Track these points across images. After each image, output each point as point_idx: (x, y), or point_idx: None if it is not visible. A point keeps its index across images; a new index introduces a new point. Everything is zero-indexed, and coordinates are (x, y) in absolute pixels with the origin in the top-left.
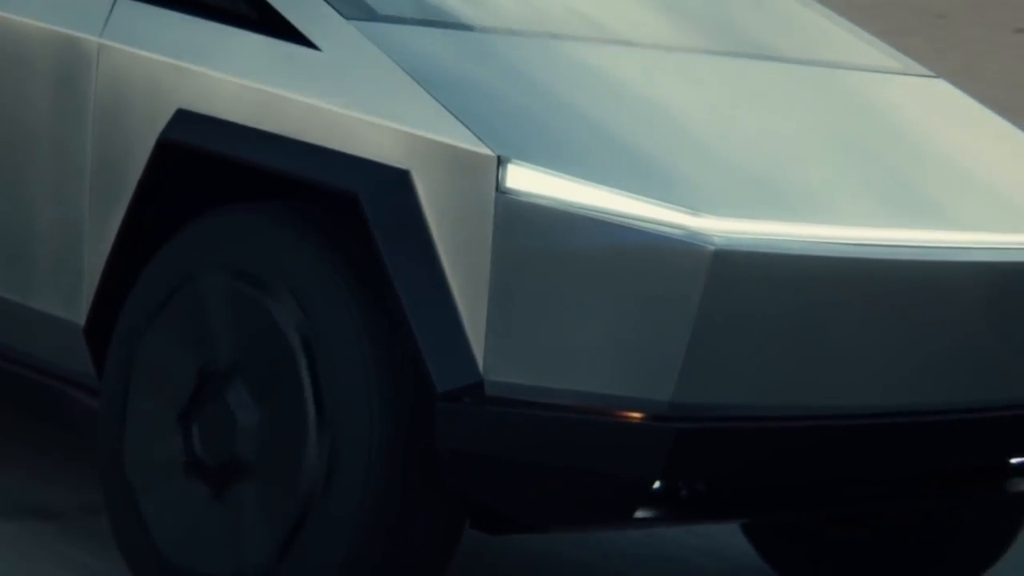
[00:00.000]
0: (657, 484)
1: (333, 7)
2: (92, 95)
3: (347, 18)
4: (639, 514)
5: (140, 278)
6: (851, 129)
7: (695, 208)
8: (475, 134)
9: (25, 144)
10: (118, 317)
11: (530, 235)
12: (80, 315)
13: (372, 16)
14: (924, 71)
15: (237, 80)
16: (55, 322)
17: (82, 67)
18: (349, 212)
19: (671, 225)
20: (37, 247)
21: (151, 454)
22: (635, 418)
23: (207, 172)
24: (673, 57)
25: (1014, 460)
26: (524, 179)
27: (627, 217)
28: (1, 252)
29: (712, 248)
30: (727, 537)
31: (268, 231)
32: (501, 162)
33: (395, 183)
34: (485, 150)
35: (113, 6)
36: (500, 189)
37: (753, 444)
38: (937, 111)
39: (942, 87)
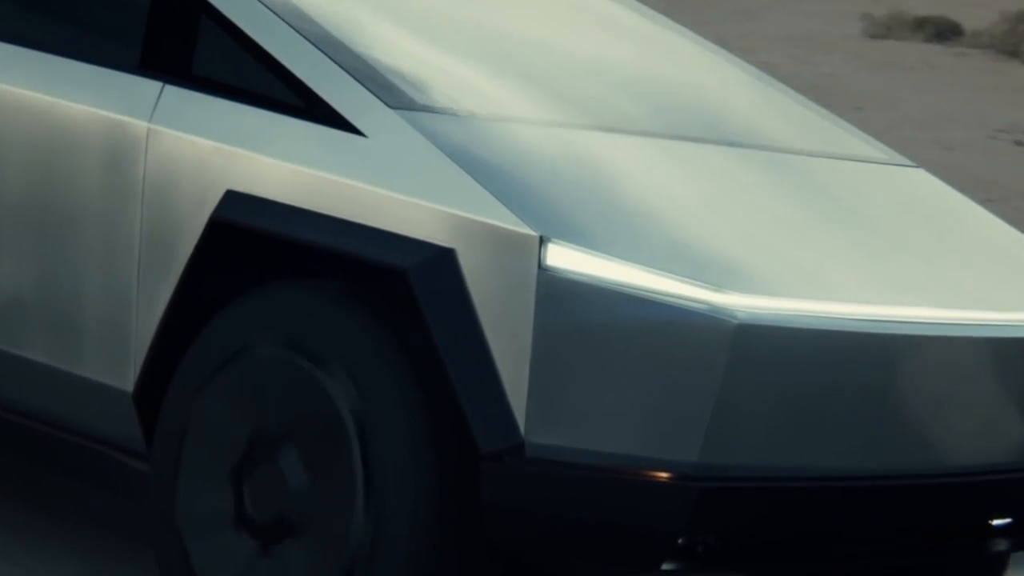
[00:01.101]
0: (682, 540)
1: (378, 96)
2: (142, 176)
3: (391, 107)
4: (666, 566)
5: (193, 346)
6: (853, 215)
7: (720, 285)
8: (518, 216)
9: (77, 222)
10: (166, 384)
11: (568, 309)
12: (129, 382)
13: (414, 106)
14: (906, 161)
15: (286, 164)
16: (104, 389)
17: (132, 150)
18: (396, 288)
19: (697, 300)
20: (88, 318)
21: (203, 509)
22: (663, 478)
23: (254, 250)
24: (697, 148)
25: (995, 521)
26: (563, 257)
27: (657, 293)
28: (53, 323)
29: (735, 322)
30: None
31: (321, 306)
32: (542, 241)
33: (441, 260)
34: (528, 230)
35: (161, 92)
36: (541, 266)
37: (769, 503)
38: (922, 198)
39: (922, 176)
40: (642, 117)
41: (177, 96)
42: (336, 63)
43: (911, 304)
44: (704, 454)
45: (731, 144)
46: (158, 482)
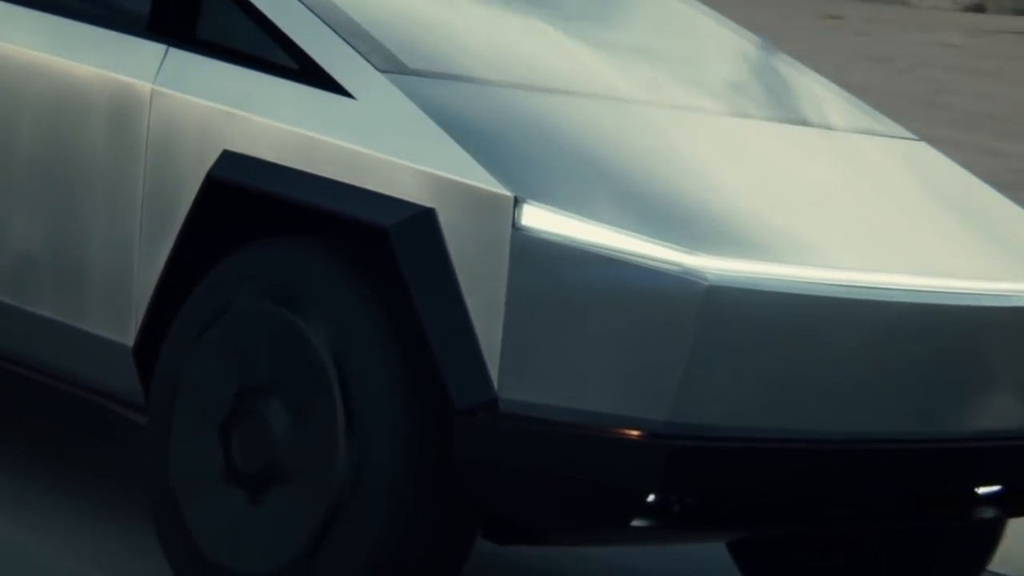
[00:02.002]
0: (652, 497)
1: (368, 60)
2: (145, 136)
3: (380, 70)
4: (635, 523)
5: (186, 302)
6: (839, 183)
7: (691, 247)
8: (495, 176)
9: (83, 179)
10: (165, 339)
11: (542, 268)
12: (129, 337)
13: (403, 70)
14: (908, 134)
15: (280, 125)
16: (105, 343)
17: (136, 110)
18: (378, 245)
19: (669, 262)
20: (91, 274)
21: (194, 463)
22: (633, 435)
23: (249, 207)
24: (677, 114)
25: (981, 490)
26: (537, 218)
27: (629, 254)
28: (56, 279)
29: (705, 284)
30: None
31: (305, 261)
32: (517, 202)
33: (421, 219)
34: (503, 191)
35: (165, 55)
36: (516, 226)
37: (740, 463)
38: (918, 169)
39: (923, 149)
40: (630, 84)
41: (180, 59)
42: (330, 26)
43: (888, 270)
44: (675, 413)
45: (722, 112)
46: (152, 435)
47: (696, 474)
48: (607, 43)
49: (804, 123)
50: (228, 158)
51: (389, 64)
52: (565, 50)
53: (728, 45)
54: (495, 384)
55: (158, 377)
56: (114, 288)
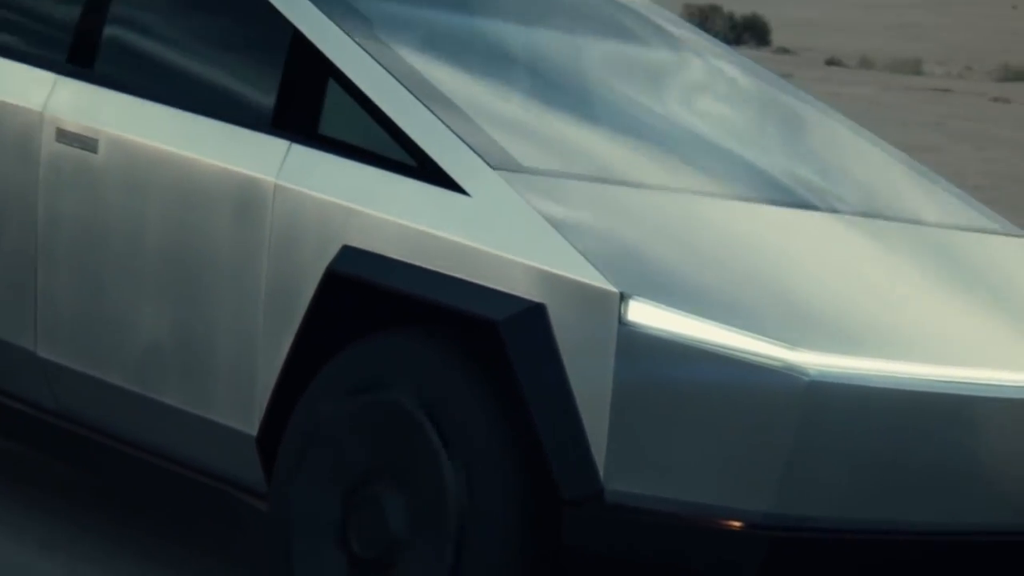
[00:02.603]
0: None
1: (482, 158)
2: (268, 230)
3: (494, 168)
4: None
5: (306, 392)
6: (940, 280)
7: (793, 343)
8: (602, 273)
9: (209, 271)
10: (286, 428)
11: (647, 362)
12: (253, 426)
13: (516, 167)
14: (1018, 231)
15: (396, 220)
16: (230, 432)
17: (260, 204)
18: (490, 338)
19: (771, 357)
20: (216, 364)
21: (314, 547)
22: (735, 526)
23: (367, 300)
24: (781, 212)
25: None
26: (643, 313)
27: (732, 349)
28: (183, 369)
29: (807, 379)
30: None
31: (419, 353)
32: (623, 298)
33: (531, 314)
34: (610, 287)
35: (288, 151)
36: (622, 321)
37: (840, 554)
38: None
39: None
40: (737, 181)
41: (303, 154)
42: (447, 125)
43: (988, 366)
44: (776, 504)
45: (829, 210)
46: (273, 525)
47: (797, 565)
48: (716, 140)
49: (907, 220)
50: (347, 253)
51: (503, 162)
52: (672, 147)
53: (838, 140)
54: (601, 475)
55: (279, 465)
56: (238, 378)
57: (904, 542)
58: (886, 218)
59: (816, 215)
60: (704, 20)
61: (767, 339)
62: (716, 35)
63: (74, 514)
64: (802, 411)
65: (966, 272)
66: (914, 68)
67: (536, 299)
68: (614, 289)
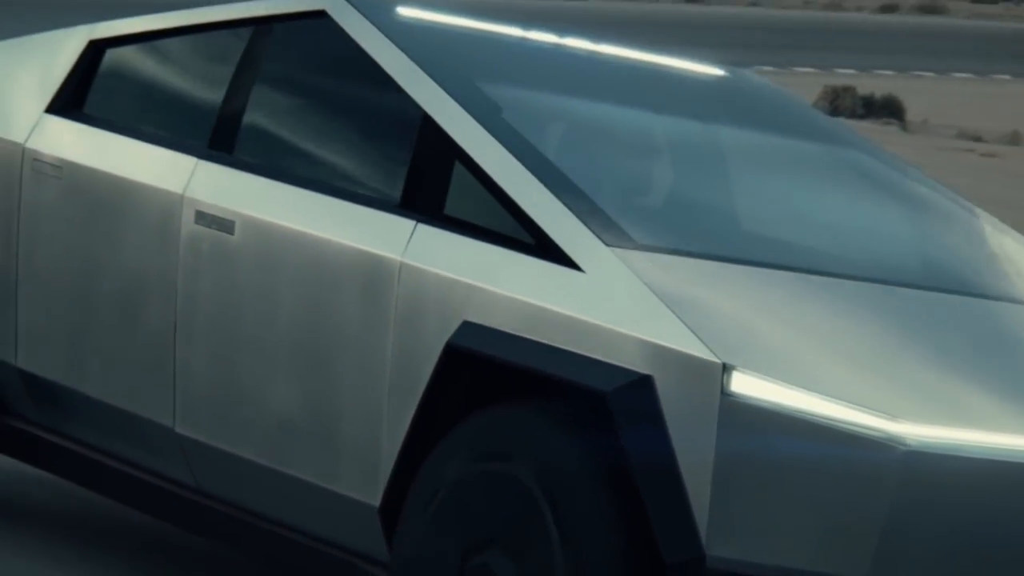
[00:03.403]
0: None
1: (597, 236)
2: (394, 306)
3: (607, 245)
4: None
5: (428, 459)
6: None
7: (893, 414)
8: (706, 345)
9: (335, 345)
10: (405, 499)
11: (749, 432)
12: (376, 498)
13: (630, 244)
14: None
15: (514, 296)
16: (355, 504)
17: (386, 282)
18: (600, 409)
19: (872, 428)
20: (342, 438)
21: None
22: None
23: (485, 374)
24: (877, 288)
25: None
26: (746, 384)
27: (832, 419)
28: (311, 442)
29: (905, 449)
30: None
31: (533, 425)
32: (726, 369)
33: (638, 385)
34: (713, 358)
35: (414, 231)
36: (725, 392)
37: None
38: None
39: None
40: (839, 258)
41: (428, 234)
42: (565, 204)
43: None
44: (873, 572)
45: (926, 287)
46: None
47: None
48: (828, 221)
49: (1005, 298)
50: (466, 328)
51: (617, 239)
52: (786, 227)
53: (939, 213)
54: (703, 540)
55: (400, 532)
56: (363, 451)
57: None
58: (984, 296)
59: (909, 291)
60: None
61: (867, 409)
62: (848, 112)
63: None
64: (899, 480)
65: None
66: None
67: (644, 371)
68: (718, 360)
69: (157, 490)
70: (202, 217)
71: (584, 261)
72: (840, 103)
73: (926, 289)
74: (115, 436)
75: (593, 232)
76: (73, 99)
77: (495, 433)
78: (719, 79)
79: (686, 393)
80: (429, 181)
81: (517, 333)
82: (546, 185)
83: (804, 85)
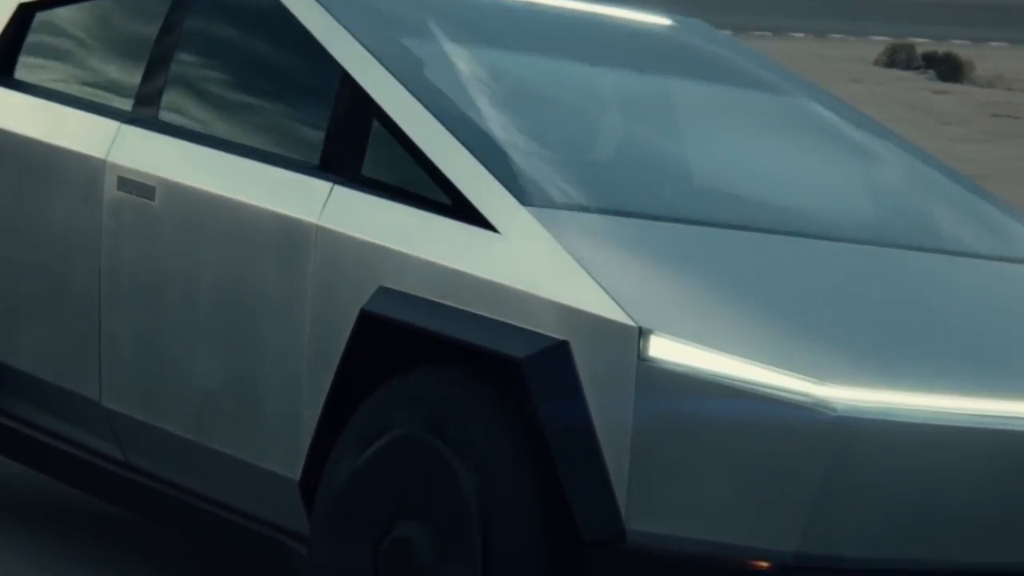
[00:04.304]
0: None
1: (513, 194)
2: (310, 272)
3: (524, 204)
4: None
5: (341, 436)
6: (979, 311)
7: (820, 377)
8: (622, 308)
9: (255, 315)
10: (324, 471)
11: (667, 399)
12: (296, 471)
13: (548, 202)
14: None
15: (429, 260)
16: (276, 478)
17: (303, 246)
18: (516, 377)
19: (797, 393)
20: (263, 410)
21: None
22: (763, 567)
23: (402, 340)
24: (809, 244)
25: None
26: (664, 349)
27: (756, 384)
28: (234, 415)
29: (834, 415)
30: None
31: (448, 392)
32: (643, 333)
33: (554, 351)
34: (629, 322)
35: (331, 192)
36: (642, 357)
37: None
38: None
39: None
40: (764, 212)
41: (344, 196)
42: (481, 162)
43: (1018, 399)
44: (804, 544)
45: (848, 240)
46: (313, 569)
47: None
48: (751, 172)
49: (951, 252)
50: (381, 293)
51: (535, 198)
52: (708, 180)
53: (890, 164)
54: (623, 515)
55: (317, 508)
56: (284, 424)
57: None
58: (926, 249)
59: (844, 245)
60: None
61: (793, 373)
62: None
63: (132, 564)
64: (830, 448)
65: (1008, 303)
66: None
67: (560, 336)
68: (634, 324)
69: (85, 465)
70: (124, 183)
71: (500, 222)
72: (896, 57)
73: (864, 243)
74: (46, 411)
75: (510, 191)
76: (2, 64)
77: (409, 402)
78: (662, 29)
79: (603, 359)
80: (347, 141)
81: (433, 298)
82: (464, 143)
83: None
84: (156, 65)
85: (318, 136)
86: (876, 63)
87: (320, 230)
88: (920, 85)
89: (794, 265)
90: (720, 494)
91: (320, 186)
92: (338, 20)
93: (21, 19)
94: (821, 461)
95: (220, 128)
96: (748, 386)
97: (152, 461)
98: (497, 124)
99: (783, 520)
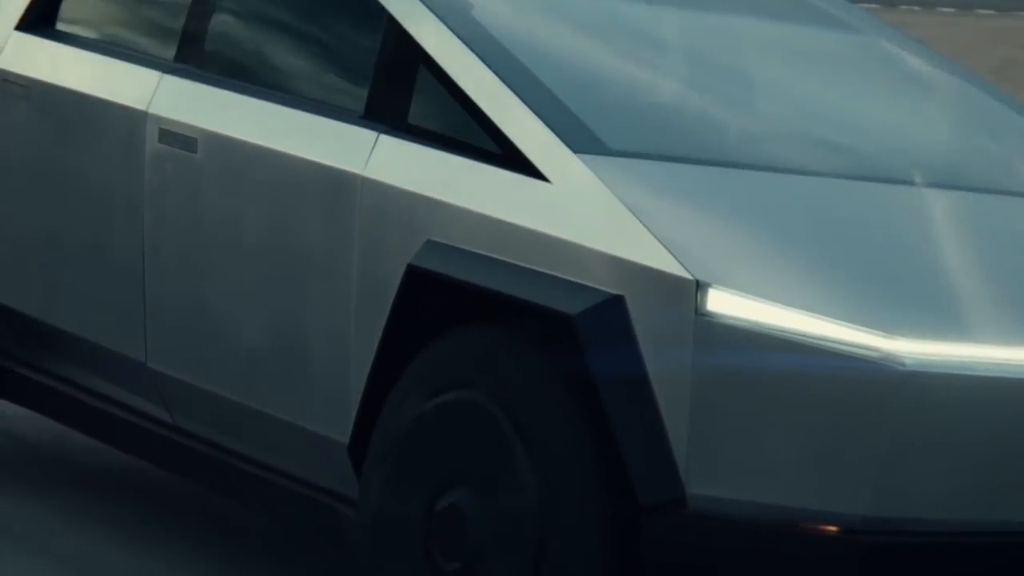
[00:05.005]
0: None
1: (564, 142)
2: (356, 224)
3: (575, 152)
4: None
5: (390, 397)
6: None
7: (888, 330)
8: (678, 260)
9: (300, 273)
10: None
11: (727, 356)
12: (345, 434)
13: (601, 150)
14: None
15: (478, 211)
16: (324, 441)
17: (348, 199)
18: (569, 333)
19: (865, 347)
20: (310, 369)
21: (400, 558)
22: (829, 531)
23: (451, 296)
24: (872, 189)
25: None
26: (722, 302)
27: (821, 339)
28: (281, 376)
29: (903, 369)
30: None
31: (499, 349)
32: (700, 287)
33: (608, 306)
34: (686, 275)
35: (376, 142)
36: (699, 312)
37: (944, 559)
38: None
39: None
40: (829, 156)
41: (390, 145)
42: (531, 108)
43: None
44: (873, 507)
45: (924, 184)
46: (361, 536)
47: (897, 572)
48: (808, 113)
49: (1019, 193)
50: (429, 247)
51: (588, 145)
52: (771, 124)
53: (964, 104)
54: (683, 478)
55: (366, 474)
56: (332, 384)
57: (1014, 544)
58: (1002, 192)
59: (913, 189)
60: None
61: (859, 326)
62: None
63: (184, 528)
64: (899, 404)
65: None
66: None
67: (614, 290)
68: (691, 277)
69: (132, 427)
70: (165, 135)
71: (551, 171)
72: None
73: (934, 187)
74: (93, 372)
75: (561, 138)
76: (44, 15)
77: (457, 361)
78: None
79: (659, 314)
80: (392, 89)
81: (482, 251)
82: (513, 89)
83: None
84: (197, 14)
85: (363, 83)
86: None
87: (365, 181)
88: None
89: (860, 212)
90: (784, 455)
91: (365, 135)
92: None
93: None
94: (890, 418)
95: (263, 77)
96: (812, 341)
97: (200, 424)
98: (547, 69)
99: (851, 482)
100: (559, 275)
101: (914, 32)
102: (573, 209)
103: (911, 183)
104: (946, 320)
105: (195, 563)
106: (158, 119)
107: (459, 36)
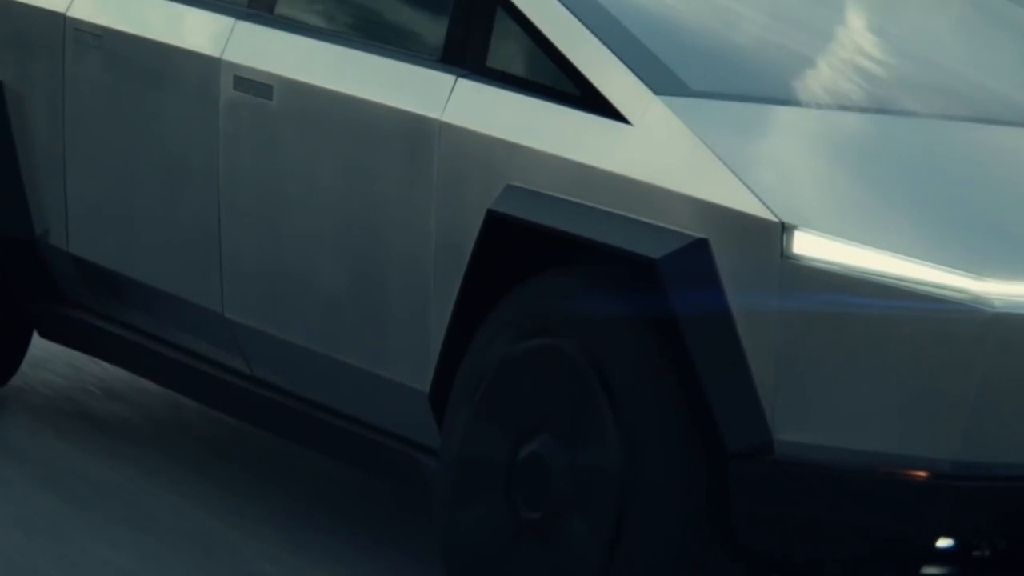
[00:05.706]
0: (948, 542)
1: (646, 83)
2: (435, 171)
3: (657, 93)
4: (927, 570)
5: (473, 342)
6: None
7: (977, 272)
8: (764, 202)
9: (379, 219)
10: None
11: (814, 299)
12: (425, 383)
13: (683, 91)
14: None
15: (558, 154)
16: (404, 390)
17: (427, 144)
18: (652, 277)
19: (954, 289)
20: (389, 317)
21: (483, 499)
22: (919, 476)
23: (532, 241)
24: (955, 127)
25: None
26: (808, 245)
27: (910, 281)
28: (359, 324)
29: (993, 312)
30: None
31: (582, 294)
32: (786, 229)
33: (692, 250)
34: (771, 217)
35: (454, 86)
36: (785, 255)
37: None
38: None
39: None
40: (915, 95)
41: (468, 89)
42: (612, 50)
43: None
44: (963, 452)
45: (1013, 122)
46: (441, 485)
47: (988, 518)
48: (892, 52)
49: None
50: (509, 192)
51: (669, 86)
52: (856, 65)
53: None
54: (770, 425)
55: (448, 420)
56: (410, 331)
57: None
58: None
59: (1002, 129)
60: None
61: (948, 268)
62: None
63: (263, 479)
64: (989, 347)
65: None
66: None
67: (698, 234)
68: (776, 219)
69: (209, 378)
70: (240, 82)
71: (632, 112)
72: None
73: (1012, 125)
74: (169, 323)
75: (642, 80)
76: None
77: (539, 307)
78: None
79: (744, 257)
80: (471, 32)
81: (563, 196)
82: (592, 30)
83: None
84: None
85: (440, 27)
86: None
87: (444, 126)
88: None
89: (948, 152)
90: (871, 400)
91: (443, 79)
92: None
93: None
94: (980, 362)
95: (338, 22)
96: (900, 283)
97: (278, 374)
98: (627, 9)
99: (940, 426)
100: (641, 219)
101: None
102: (655, 151)
103: (1002, 122)
104: None
105: (263, 526)
106: (233, 66)
107: None
